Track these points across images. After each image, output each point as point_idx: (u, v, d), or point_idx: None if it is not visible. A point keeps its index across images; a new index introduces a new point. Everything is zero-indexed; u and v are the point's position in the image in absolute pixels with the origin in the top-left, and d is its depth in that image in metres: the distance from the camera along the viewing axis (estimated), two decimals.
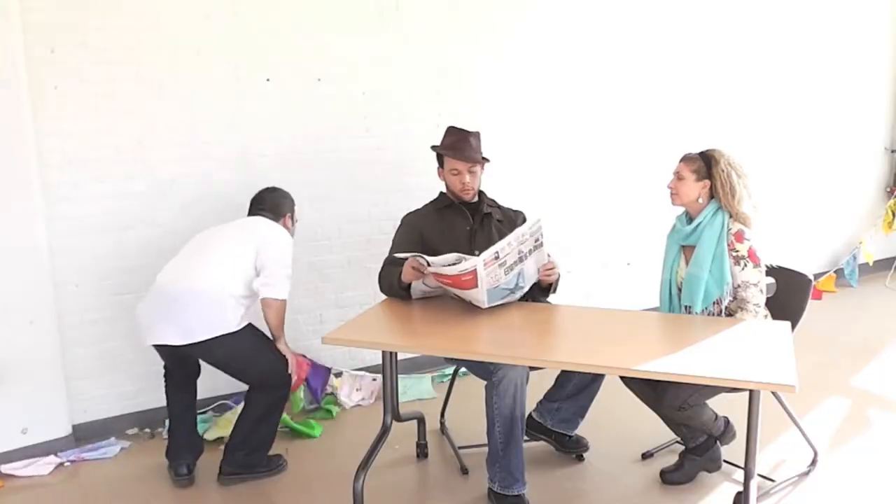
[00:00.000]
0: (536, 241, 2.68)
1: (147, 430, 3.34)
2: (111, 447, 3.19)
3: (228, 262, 2.79)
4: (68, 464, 3.09)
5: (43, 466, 3.03)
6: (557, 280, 2.88)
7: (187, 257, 2.85)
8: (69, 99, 3.03)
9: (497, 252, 2.56)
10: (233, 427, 2.93)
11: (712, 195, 2.75)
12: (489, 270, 2.54)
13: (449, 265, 2.55)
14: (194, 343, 2.71)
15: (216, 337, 2.71)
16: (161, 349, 2.84)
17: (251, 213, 3.04)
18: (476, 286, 2.54)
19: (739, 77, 4.84)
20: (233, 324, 2.74)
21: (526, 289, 2.72)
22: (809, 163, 5.32)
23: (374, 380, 3.65)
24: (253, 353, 2.83)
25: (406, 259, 2.68)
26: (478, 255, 2.54)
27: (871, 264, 5.49)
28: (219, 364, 2.83)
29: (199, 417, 3.12)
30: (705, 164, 2.74)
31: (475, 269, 2.51)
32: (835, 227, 5.55)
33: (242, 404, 2.95)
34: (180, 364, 2.93)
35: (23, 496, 2.88)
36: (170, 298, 2.74)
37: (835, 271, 5.44)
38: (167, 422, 3.05)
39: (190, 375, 3.00)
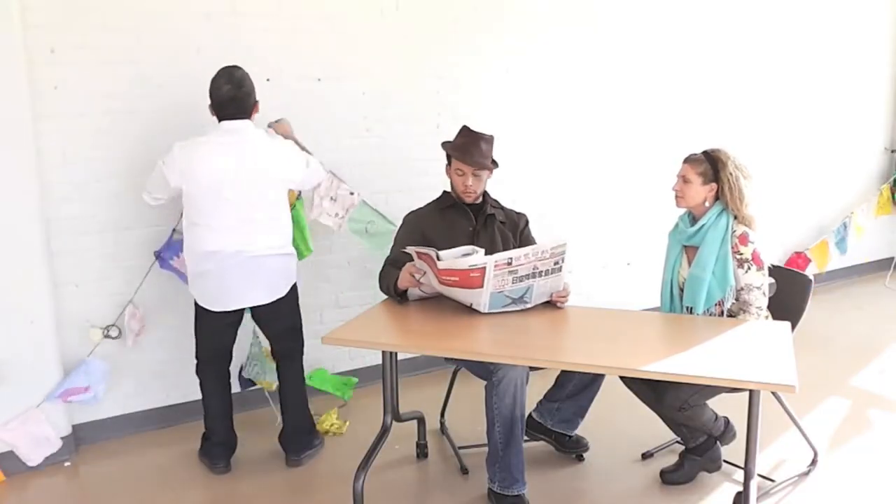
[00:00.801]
0: (556, 263, 2.62)
1: (115, 335, 3.24)
2: (98, 384, 3.12)
3: (281, 213, 2.90)
4: (68, 464, 3.09)
5: (40, 466, 3.02)
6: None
7: (244, 221, 2.79)
8: (69, 99, 3.03)
9: (511, 258, 2.53)
10: (288, 409, 3.10)
11: (717, 196, 2.74)
12: (498, 273, 2.53)
13: (460, 257, 2.55)
14: (275, 300, 2.92)
15: (290, 289, 2.97)
16: (228, 317, 2.93)
17: (238, 116, 2.81)
18: (482, 286, 2.53)
19: (739, 77, 4.84)
20: (295, 275, 2.98)
21: (530, 305, 2.69)
22: (810, 163, 5.32)
23: (352, 193, 3.45)
24: (297, 305, 3.07)
25: (415, 252, 2.67)
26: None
27: (860, 235, 5.45)
28: (281, 318, 3.01)
29: None
30: (711, 166, 2.71)
31: (485, 267, 2.50)
32: (831, 213, 5.54)
33: (280, 385, 3.13)
34: (230, 340, 3.04)
35: (23, 496, 2.88)
36: (255, 262, 2.83)
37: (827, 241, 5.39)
38: (206, 419, 3.09)
39: (228, 360, 3.08)
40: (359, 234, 3.56)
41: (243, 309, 2.95)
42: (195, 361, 3.06)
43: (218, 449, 3.04)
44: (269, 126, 3.12)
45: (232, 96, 2.78)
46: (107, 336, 3.20)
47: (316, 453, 3.13)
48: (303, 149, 3.04)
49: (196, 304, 2.95)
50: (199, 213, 2.80)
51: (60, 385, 3.05)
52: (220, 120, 2.83)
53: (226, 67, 2.85)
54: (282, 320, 3.02)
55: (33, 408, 3.01)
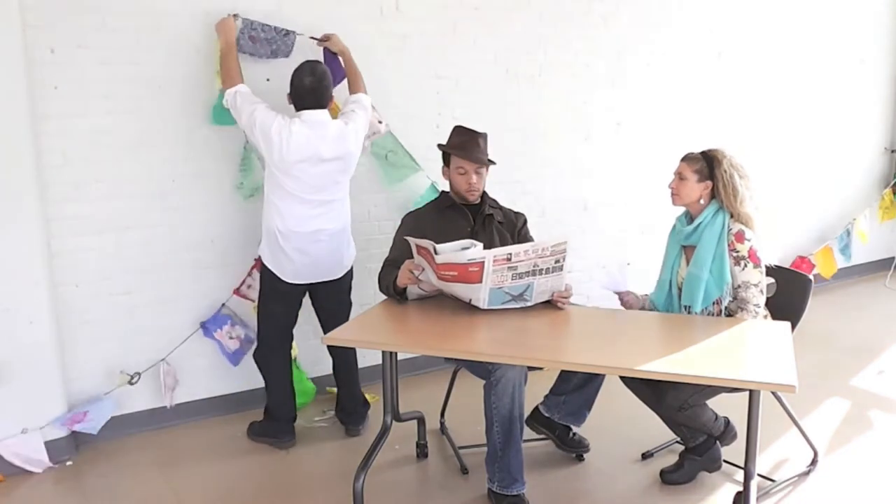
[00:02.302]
0: (557, 262, 2.61)
1: (135, 380, 3.29)
2: (100, 417, 3.17)
3: (347, 195, 3.17)
4: (69, 463, 3.09)
5: (41, 466, 3.04)
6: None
7: (322, 203, 3.04)
8: (69, 99, 3.03)
9: (510, 254, 2.53)
10: (344, 384, 3.31)
11: (713, 195, 2.75)
12: (497, 269, 2.53)
13: (459, 250, 2.55)
14: (341, 276, 3.20)
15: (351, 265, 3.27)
16: (299, 294, 3.17)
17: (315, 106, 3.00)
18: (480, 281, 2.53)
19: (739, 78, 4.85)
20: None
21: (531, 303, 2.69)
22: (810, 163, 5.32)
23: (381, 122, 3.53)
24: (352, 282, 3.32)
25: (415, 246, 2.67)
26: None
27: (864, 242, 5.46)
28: (342, 293, 3.27)
29: None
30: (707, 164, 2.73)
31: (483, 261, 2.50)
32: (833, 218, 5.55)
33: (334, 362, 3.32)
34: (294, 319, 3.22)
35: (22, 496, 2.88)
36: (332, 240, 3.11)
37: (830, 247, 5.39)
38: (272, 399, 3.25)
39: (291, 339, 3.28)
40: (378, 159, 3.67)
41: (307, 287, 3.17)
42: (257, 347, 3.24)
43: (285, 425, 3.24)
44: (319, 43, 3.32)
45: (313, 88, 2.98)
46: (130, 383, 3.28)
47: (366, 425, 3.37)
48: (356, 72, 3.32)
49: (266, 287, 3.16)
50: (283, 193, 3.01)
51: (68, 415, 3.12)
52: (297, 109, 3.02)
53: (308, 61, 3.06)
54: (341, 295, 3.28)
55: (36, 430, 3.04)
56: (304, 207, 3.02)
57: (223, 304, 3.43)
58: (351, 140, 3.06)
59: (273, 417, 3.26)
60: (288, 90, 3.02)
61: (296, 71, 3.01)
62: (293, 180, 2.97)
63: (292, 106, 3.04)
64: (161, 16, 3.14)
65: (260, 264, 3.21)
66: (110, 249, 3.20)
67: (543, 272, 2.61)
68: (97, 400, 3.21)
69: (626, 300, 2.97)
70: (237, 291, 3.44)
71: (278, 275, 3.09)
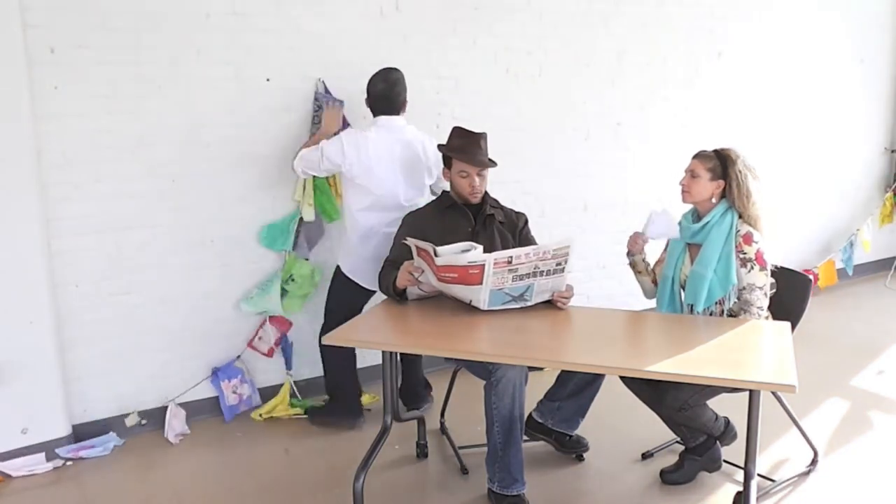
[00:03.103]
0: (558, 264, 2.61)
1: (144, 421, 3.34)
2: (108, 443, 3.20)
3: (421, 199, 3.30)
4: (69, 463, 3.09)
5: (41, 467, 3.03)
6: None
7: (400, 207, 3.17)
8: (69, 99, 3.03)
9: (511, 257, 2.53)
10: (407, 365, 3.45)
11: (723, 195, 2.74)
12: (498, 271, 2.53)
13: (459, 253, 2.55)
14: None
15: None
16: (371, 294, 3.27)
17: (390, 112, 3.19)
18: (480, 283, 2.53)
19: (739, 78, 4.84)
20: None
21: (531, 303, 2.69)
22: (809, 163, 5.32)
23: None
24: None
25: (415, 247, 2.67)
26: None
27: (867, 251, 5.47)
28: None
29: None
30: (721, 162, 2.72)
31: (484, 264, 2.50)
32: (835, 226, 5.55)
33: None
34: (363, 306, 3.29)
35: (23, 496, 2.88)
36: None
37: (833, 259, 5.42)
38: (340, 384, 3.35)
39: None
40: None
41: None
42: (323, 330, 3.25)
43: (354, 406, 3.38)
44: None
45: (385, 95, 3.18)
46: (139, 424, 3.31)
47: (431, 406, 3.51)
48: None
49: (343, 283, 3.26)
50: (364, 198, 3.16)
51: (72, 447, 3.14)
52: (374, 114, 3.22)
53: (385, 69, 3.22)
54: None
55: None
56: (381, 213, 3.16)
57: (238, 356, 3.49)
58: (424, 146, 3.23)
59: (340, 399, 3.36)
60: (365, 96, 3.23)
61: (371, 78, 3.20)
62: (375, 184, 3.13)
63: (369, 112, 3.24)
64: (161, 16, 3.14)
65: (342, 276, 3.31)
66: (110, 249, 3.20)
67: (544, 274, 2.61)
68: (107, 437, 3.25)
69: (635, 242, 2.90)
70: (251, 345, 3.50)
71: (359, 282, 3.24)
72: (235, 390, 3.46)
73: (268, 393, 3.59)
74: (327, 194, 3.54)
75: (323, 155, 3.12)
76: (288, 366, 3.62)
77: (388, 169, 3.15)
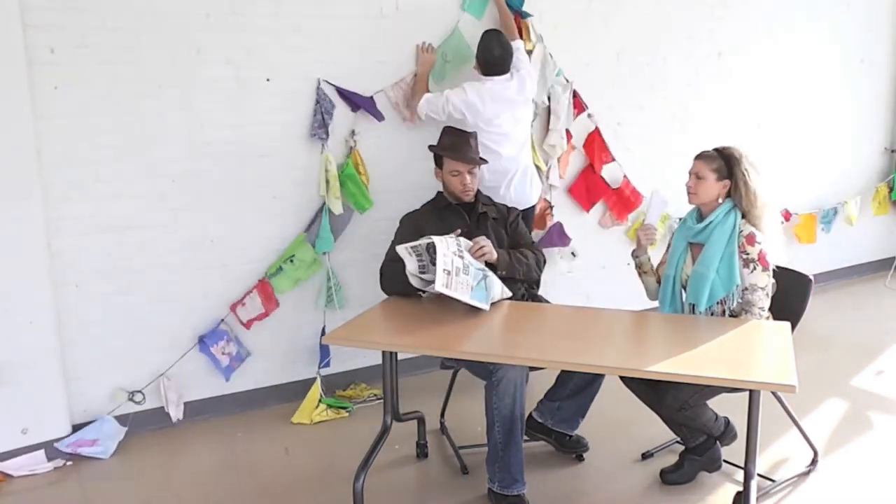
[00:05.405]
0: (458, 244, 2.70)
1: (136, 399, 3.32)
2: (108, 443, 3.18)
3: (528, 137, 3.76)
4: (70, 463, 3.09)
5: (41, 467, 3.03)
6: (508, 260, 2.87)
7: (514, 147, 3.56)
8: (69, 99, 3.03)
9: (445, 268, 2.54)
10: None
11: (728, 194, 2.74)
12: (453, 283, 2.55)
13: (435, 277, 2.56)
14: (531, 206, 3.79)
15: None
16: None
17: (499, 73, 3.51)
18: (461, 299, 2.56)
19: (739, 77, 4.84)
20: None
21: (489, 272, 2.73)
22: (810, 163, 5.31)
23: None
24: None
25: (415, 246, 2.69)
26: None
27: (853, 223, 5.43)
28: (528, 219, 3.72)
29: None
30: (725, 162, 2.70)
31: (444, 292, 2.52)
32: (835, 226, 5.54)
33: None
34: None
35: (23, 496, 2.88)
36: (527, 174, 3.68)
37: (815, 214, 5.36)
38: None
39: None
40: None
41: None
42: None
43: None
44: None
45: (502, 58, 3.48)
46: (131, 400, 3.30)
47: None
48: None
49: None
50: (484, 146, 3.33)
51: (71, 438, 3.12)
52: (485, 75, 3.50)
53: (493, 32, 3.53)
54: (528, 223, 3.64)
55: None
56: (499, 155, 3.45)
57: (222, 320, 3.44)
58: (528, 84, 3.58)
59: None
60: (475, 57, 3.52)
61: (484, 41, 3.48)
62: (495, 129, 3.44)
63: (478, 72, 3.51)
64: (161, 16, 3.14)
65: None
66: (110, 249, 3.20)
67: (463, 252, 2.68)
68: (103, 421, 3.22)
69: (649, 233, 2.91)
70: (234, 308, 3.45)
71: None
72: (224, 351, 3.44)
73: (266, 392, 3.59)
74: (358, 184, 3.60)
75: (448, 101, 3.40)
76: (323, 363, 3.60)
77: (495, 119, 3.43)
